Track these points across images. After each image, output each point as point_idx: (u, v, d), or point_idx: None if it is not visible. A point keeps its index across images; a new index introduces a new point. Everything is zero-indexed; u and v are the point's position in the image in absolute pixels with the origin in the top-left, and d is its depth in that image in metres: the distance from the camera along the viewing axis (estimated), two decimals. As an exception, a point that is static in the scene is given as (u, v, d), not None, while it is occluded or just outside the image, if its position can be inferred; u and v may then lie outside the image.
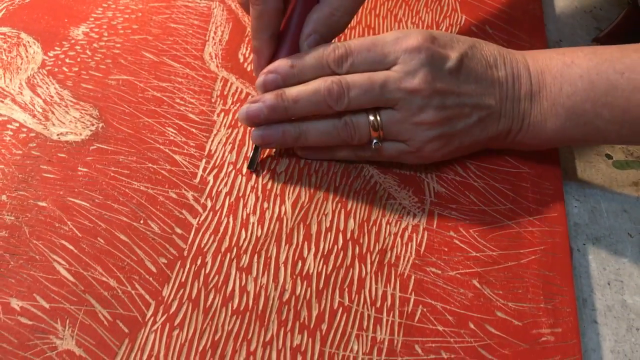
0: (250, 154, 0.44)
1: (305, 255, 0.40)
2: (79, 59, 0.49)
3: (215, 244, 0.40)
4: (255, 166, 0.44)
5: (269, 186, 0.43)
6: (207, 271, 0.38)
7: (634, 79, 0.40)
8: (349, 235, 0.41)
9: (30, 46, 0.49)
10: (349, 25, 0.54)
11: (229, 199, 0.42)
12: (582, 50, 0.42)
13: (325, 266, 0.39)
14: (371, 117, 0.41)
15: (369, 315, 0.38)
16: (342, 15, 0.43)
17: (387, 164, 0.45)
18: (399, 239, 0.41)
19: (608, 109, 0.40)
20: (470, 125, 0.42)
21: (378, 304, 0.38)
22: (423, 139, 0.42)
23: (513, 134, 0.44)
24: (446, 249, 0.41)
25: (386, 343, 0.37)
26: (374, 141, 0.42)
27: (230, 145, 0.45)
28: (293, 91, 0.41)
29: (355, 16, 0.55)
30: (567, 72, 0.42)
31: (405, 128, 0.41)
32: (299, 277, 0.39)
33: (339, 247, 0.41)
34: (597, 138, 0.43)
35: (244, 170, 0.44)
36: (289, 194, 0.43)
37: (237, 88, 0.49)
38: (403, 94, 0.40)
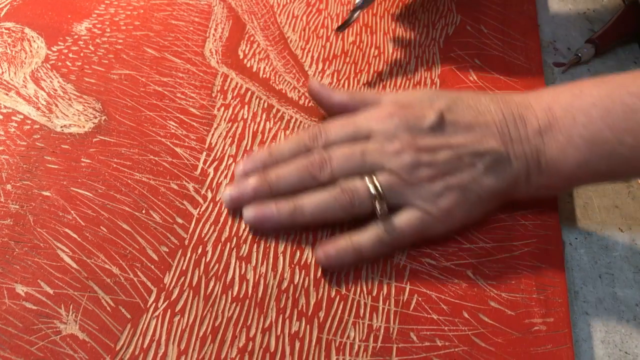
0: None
1: (303, 245, 0.41)
2: (82, 54, 0.50)
3: (215, 234, 0.40)
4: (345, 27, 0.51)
5: (268, 179, 0.44)
6: (207, 260, 0.39)
7: None
8: (346, 226, 0.42)
9: (34, 41, 0.50)
10: (347, 24, 0.54)
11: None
12: (589, 81, 0.40)
13: (323, 256, 0.40)
14: (370, 185, 0.39)
15: (365, 304, 0.38)
16: None
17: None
18: (395, 230, 0.42)
19: (630, 135, 0.37)
20: (480, 174, 0.39)
21: (374, 293, 0.39)
22: (430, 196, 0.39)
23: (534, 176, 0.40)
24: (441, 241, 0.42)
25: (382, 330, 0.37)
26: (378, 207, 0.39)
27: (230, 138, 0.46)
28: (275, 169, 0.41)
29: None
30: (577, 102, 0.39)
31: (407, 189, 0.39)
32: (297, 266, 0.40)
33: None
34: (626, 169, 0.39)
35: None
36: (287, 187, 0.44)
37: (237, 83, 0.50)
38: (387, 157, 0.39)
